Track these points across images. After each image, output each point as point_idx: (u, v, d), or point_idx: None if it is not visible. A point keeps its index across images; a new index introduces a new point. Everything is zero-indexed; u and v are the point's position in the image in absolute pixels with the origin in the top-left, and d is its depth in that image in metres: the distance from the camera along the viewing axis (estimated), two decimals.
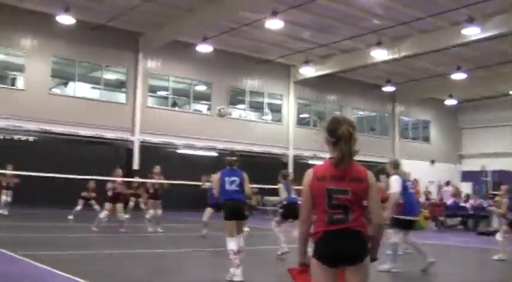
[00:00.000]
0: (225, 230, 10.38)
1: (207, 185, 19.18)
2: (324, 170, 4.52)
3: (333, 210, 4.40)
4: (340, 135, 4.47)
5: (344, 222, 4.38)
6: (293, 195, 13.99)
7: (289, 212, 13.63)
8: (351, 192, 4.41)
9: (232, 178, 10.42)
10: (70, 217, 22.43)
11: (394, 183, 11.55)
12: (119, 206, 18.98)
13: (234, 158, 10.87)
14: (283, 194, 13.85)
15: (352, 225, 4.38)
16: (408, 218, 11.62)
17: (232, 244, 9.96)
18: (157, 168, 20.19)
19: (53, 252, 12.91)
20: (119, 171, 19.75)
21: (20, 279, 9.17)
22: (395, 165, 12.08)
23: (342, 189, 4.41)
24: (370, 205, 4.54)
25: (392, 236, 11.68)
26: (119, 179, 19.45)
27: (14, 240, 15.92)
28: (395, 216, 11.45)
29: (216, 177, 10.72)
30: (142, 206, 24.69)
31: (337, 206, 4.40)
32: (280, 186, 14.00)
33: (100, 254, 13.46)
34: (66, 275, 9.42)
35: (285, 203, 13.90)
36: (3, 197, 22.93)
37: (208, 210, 17.98)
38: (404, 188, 11.61)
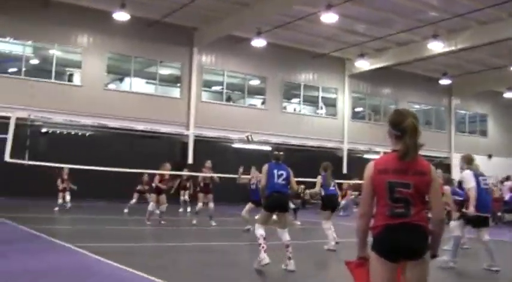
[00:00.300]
0: (259, 218, 10.65)
1: (246, 177, 18.94)
2: (386, 163, 4.44)
3: (395, 204, 4.32)
4: (405, 128, 4.39)
5: (405, 216, 4.29)
6: (331, 188, 14.20)
7: (328, 203, 14.10)
8: (412, 186, 4.31)
9: (280, 172, 10.54)
10: (125, 211, 22.64)
11: (469, 178, 11.18)
12: (162, 197, 19.14)
13: (281, 152, 10.95)
14: (319, 187, 14.16)
15: (413, 219, 4.29)
16: (481, 214, 11.20)
17: (261, 230, 10.23)
18: (208, 163, 20.12)
19: (108, 244, 13.05)
20: (167, 166, 19.81)
21: (76, 270, 9.30)
22: (469, 160, 11.66)
23: (404, 183, 4.32)
24: (431, 199, 4.42)
25: (455, 229, 11.40)
26: (167, 173, 19.57)
27: (70, 232, 16.21)
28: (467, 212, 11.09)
29: (264, 169, 10.71)
30: (186, 198, 24.82)
31: (399, 200, 4.31)
32: (318, 178, 14.33)
33: (153, 247, 13.58)
34: (120, 266, 9.53)
35: (323, 194, 14.23)
36: (60, 200, 22.96)
37: (249, 205, 17.86)
38: (477, 183, 11.19)
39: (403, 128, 4.39)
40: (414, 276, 4.27)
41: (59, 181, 22.96)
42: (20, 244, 12.25)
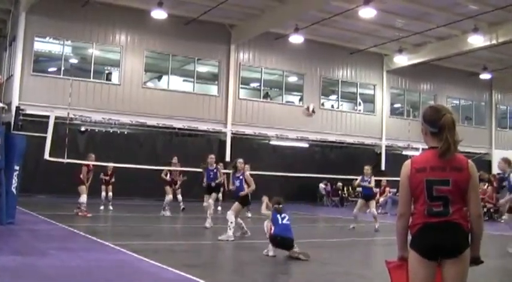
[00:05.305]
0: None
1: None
2: (423, 161, 4.34)
3: (433, 203, 4.23)
4: (443, 125, 4.29)
5: (444, 215, 4.21)
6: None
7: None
8: (451, 183, 4.22)
9: None
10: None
11: None
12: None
13: None
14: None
15: (452, 218, 4.21)
16: None
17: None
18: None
19: (146, 242, 13.10)
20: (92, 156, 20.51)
21: (117, 268, 9.33)
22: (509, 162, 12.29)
23: (442, 180, 4.23)
24: (469, 195, 4.28)
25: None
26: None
27: (108, 230, 16.40)
28: None
29: None
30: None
31: (437, 198, 4.23)
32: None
33: (190, 245, 13.58)
34: (160, 264, 9.54)
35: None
36: (103, 194, 22.53)
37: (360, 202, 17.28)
38: None
39: (441, 124, 4.28)
40: (452, 275, 4.19)
41: (102, 175, 22.51)
42: (60, 242, 12.35)
